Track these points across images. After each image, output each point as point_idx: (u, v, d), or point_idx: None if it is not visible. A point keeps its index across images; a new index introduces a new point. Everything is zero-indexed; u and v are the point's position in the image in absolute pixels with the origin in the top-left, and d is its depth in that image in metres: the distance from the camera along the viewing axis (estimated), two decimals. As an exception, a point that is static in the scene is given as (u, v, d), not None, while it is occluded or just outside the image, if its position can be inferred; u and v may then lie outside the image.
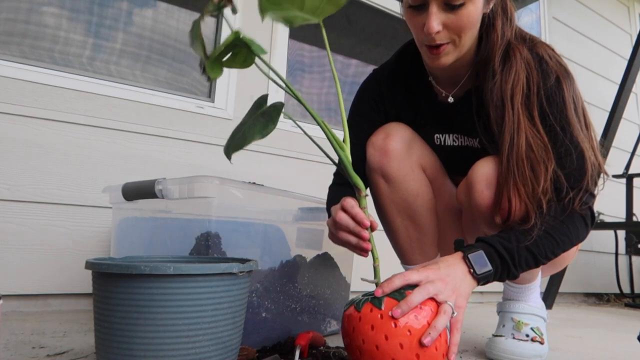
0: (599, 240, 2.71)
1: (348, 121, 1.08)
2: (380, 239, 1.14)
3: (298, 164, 1.78)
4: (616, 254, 2.61)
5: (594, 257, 2.71)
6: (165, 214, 1.04)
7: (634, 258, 2.83)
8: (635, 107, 3.15)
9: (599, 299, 2.73)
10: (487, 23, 0.89)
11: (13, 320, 1.20)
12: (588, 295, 2.72)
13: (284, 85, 0.68)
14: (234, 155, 0.63)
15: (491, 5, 0.87)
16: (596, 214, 0.88)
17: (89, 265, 0.65)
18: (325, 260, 1.17)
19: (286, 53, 1.97)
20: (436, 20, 0.80)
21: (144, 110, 1.58)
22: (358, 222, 0.76)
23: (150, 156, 1.56)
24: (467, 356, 1.02)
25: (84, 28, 1.58)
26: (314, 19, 0.64)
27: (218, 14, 0.60)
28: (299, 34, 2.06)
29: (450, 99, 0.97)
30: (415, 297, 0.67)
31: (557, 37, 2.76)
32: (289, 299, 1.03)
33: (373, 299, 0.68)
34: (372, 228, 0.76)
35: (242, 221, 0.99)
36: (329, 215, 0.96)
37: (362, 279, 0.75)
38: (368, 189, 1.05)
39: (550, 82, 0.85)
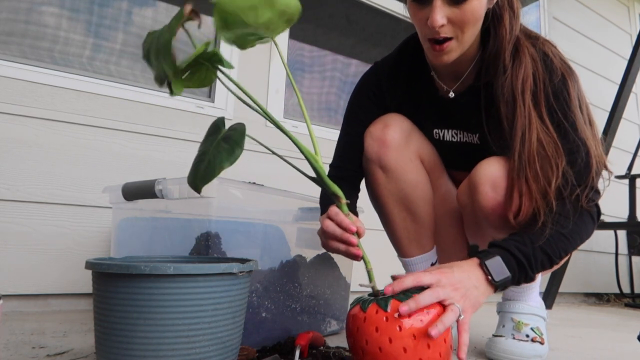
0: (599, 240, 2.71)
1: (346, 113, 1.08)
2: (380, 239, 1.14)
3: (298, 163, 1.77)
4: (616, 254, 2.61)
5: (594, 257, 2.71)
6: (165, 214, 1.04)
7: (634, 258, 2.83)
8: (635, 107, 3.15)
9: (599, 299, 2.73)
10: (493, 17, 0.89)
11: (13, 320, 1.20)
12: (588, 295, 2.72)
13: (252, 103, 0.65)
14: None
15: (495, 0, 0.87)
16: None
17: (89, 265, 0.65)
18: (325, 260, 1.17)
19: (286, 53, 1.97)
20: (440, 13, 0.80)
21: (144, 110, 1.58)
22: (344, 229, 0.76)
23: (150, 156, 1.56)
24: (467, 356, 1.02)
25: (84, 28, 1.58)
26: (268, 35, 0.62)
27: (182, 26, 0.57)
28: (299, 33, 2.06)
29: (451, 94, 0.97)
30: (425, 298, 0.67)
31: (557, 37, 2.76)
32: (289, 299, 1.03)
33: (379, 300, 0.68)
34: (358, 234, 0.76)
35: (242, 221, 0.99)
36: (322, 210, 0.96)
37: (360, 285, 0.75)
38: (370, 188, 1.04)
39: (556, 78, 0.85)
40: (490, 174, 0.87)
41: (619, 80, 2.18)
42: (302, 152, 0.69)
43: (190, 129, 1.65)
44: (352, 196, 1.01)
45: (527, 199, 0.81)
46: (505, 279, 0.75)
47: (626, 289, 2.74)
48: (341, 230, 0.76)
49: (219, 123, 0.66)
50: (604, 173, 0.87)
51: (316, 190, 1.07)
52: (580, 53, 2.87)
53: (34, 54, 1.47)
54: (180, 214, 1.01)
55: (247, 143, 0.62)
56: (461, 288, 0.71)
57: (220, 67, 0.61)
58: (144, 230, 1.09)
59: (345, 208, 0.75)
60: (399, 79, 1.03)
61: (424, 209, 1.02)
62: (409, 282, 0.69)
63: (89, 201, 1.45)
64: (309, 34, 2.13)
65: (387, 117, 1.01)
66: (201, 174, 0.60)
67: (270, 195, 1.05)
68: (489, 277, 0.74)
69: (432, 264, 1.08)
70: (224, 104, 1.76)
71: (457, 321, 0.69)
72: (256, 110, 0.66)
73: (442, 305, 0.69)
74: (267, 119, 0.66)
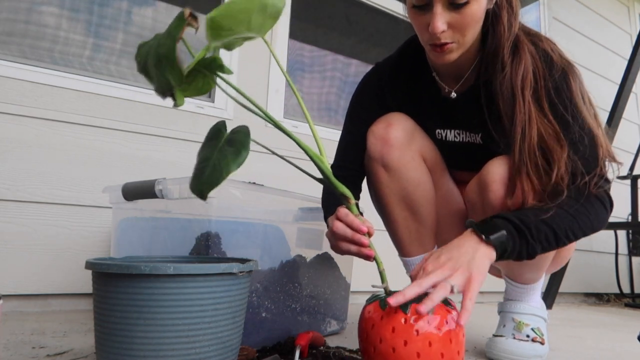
0: (599, 240, 2.71)
1: (348, 113, 1.08)
2: (381, 239, 1.14)
3: (298, 163, 1.77)
4: (616, 254, 2.61)
5: (594, 257, 2.71)
6: (165, 214, 1.04)
7: (634, 258, 2.83)
8: (635, 107, 3.15)
9: (599, 299, 2.73)
10: (492, 16, 0.89)
11: (13, 320, 1.20)
12: (588, 295, 2.72)
13: (253, 107, 0.64)
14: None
15: (494, 0, 0.87)
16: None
17: (89, 265, 0.65)
18: (325, 260, 1.17)
19: (286, 53, 1.97)
20: (441, 20, 0.81)
21: (144, 110, 1.58)
22: (355, 230, 0.75)
23: (150, 156, 1.56)
24: (467, 356, 1.02)
25: (84, 28, 1.58)
26: (258, 35, 0.62)
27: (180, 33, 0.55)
28: (299, 34, 2.06)
29: (453, 95, 0.97)
30: (438, 295, 0.66)
31: (557, 37, 2.74)
32: (289, 299, 1.03)
33: (402, 305, 0.67)
34: (369, 234, 0.75)
35: (242, 221, 0.99)
36: (325, 214, 0.96)
37: (372, 286, 0.74)
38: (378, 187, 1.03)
39: (556, 73, 0.86)
40: (503, 172, 0.87)
41: (619, 80, 2.18)
42: (307, 154, 0.68)
43: (190, 129, 1.65)
44: (355, 196, 1.02)
45: (531, 193, 0.81)
46: (501, 237, 0.74)
47: (626, 289, 2.75)
48: (352, 231, 0.76)
49: (220, 127, 0.63)
50: (614, 165, 0.86)
51: (316, 190, 1.07)
52: (580, 53, 2.87)
53: (34, 54, 1.47)
54: (180, 214, 1.01)
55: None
56: (449, 262, 0.71)
57: (219, 73, 0.60)
58: (144, 230, 1.09)
59: (355, 209, 0.75)
60: (399, 80, 1.03)
61: (426, 209, 1.02)
62: (411, 292, 0.67)
63: (89, 201, 1.45)
64: (309, 34, 2.13)
65: (389, 116, 1.01)
66: (206, 179, 0.57)
67: (270, 195, 1.05)
68: (482, 237, 0.74)
69: None
70: (224, 104, 1.76)
71: (464, 288, 0.68)
72: (258, 114, 0.65)
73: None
74: (269, 122, 0.65)
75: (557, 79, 0.85)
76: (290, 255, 1.06)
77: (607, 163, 0.85)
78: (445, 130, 1.02)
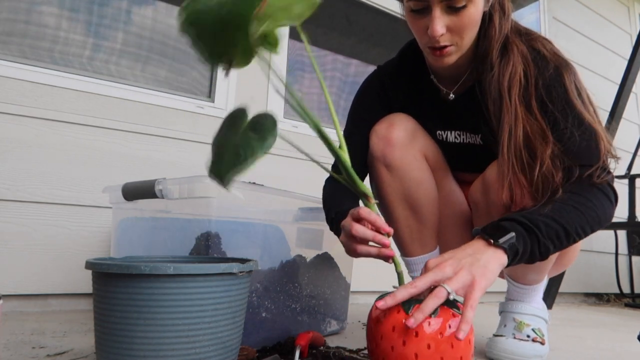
0: (599, 240, 2.71)
1: (350, 113, 1.09)
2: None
3: (298, 163, 1.78)
4: (616, 254, 2.61)
5: (594, 257, 2.71)
6: (165, 214, 1.04)
7: (634, 258, 2.83)
8: (635, 107, 3.15)
9: (599, 299, 2.73)
10: (486, 19, 0.89)
11: (13, 320, 1.20)
12: (588, 295, 2.72)
13: (282, 87, 0.65)
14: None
15: (490, 2, 0.87)
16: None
17: (89, 265, 0.65)
18: (325, 260, 1.17)
19: (286, 53, 1.97)
20: (440, 23, 0.81)
21: (144, 110, 1.58)
22: (378, 228, 0.73)
23: (150, 156, 1.56)
24: (467, 356, 1.02)
25: (84, 28, 1.58)
26: (295, 23, 0.59)
27: None
28: (299, 34, 2.05)
29: (452, 96, 0.98)
30: (429, 304, 0.63)
31: (557, 37, 2.76)
32: (289, 299, 1.03)
33: (404, 302, 0.66)
34: (388, 234, 0.74)
35: (242, 221, 0.99)
36: (327, 215, 0.95)
37: (393, 287, 0.71)
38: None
39: (548, 72, 0.85)
40: None
41: (619, 80, 2.18)
42: (336, 154, 0.67)
43: (190, 129, 1.65)
44: (357, 197, 1.02)
45: (519, 191, 0.81)
46: (511, 239, 0.70)
47: (626, 289, 2.74)
48: (372, 233, 0.74)
49: (238, 114, 0.58)
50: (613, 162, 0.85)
51: (316, 190, 1.08)
52: (580, 53, 2.87)
53: (34, 54, 1.47)
54: (180, 214, 1.01)
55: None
56: (450, 261, 0.67)
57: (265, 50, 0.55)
58: (144, 230, 1.09)
59: (376, 208, 0.73)
60: (401, 82, 1.04)
61: (427, 208, 1.02)
62: (402, 294, 0.65)
63: (89, 201, 1.45)
64: (309, 34, 2.13)
65: (392, 116, 1.01)
66: (228, 163, 0.51)
67: (270, 195, 1.05)
68: (490, 241, 0.70)
69: None
70: (224, 104, 1.75)
71: (466, 295, 0.65)
72: (295, 108, 0.63)
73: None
74: (301, 108, 0.62)
75: (548, 77, 0.85)
76: (290, 255, 1.06)
77: (607, 159, 0.84)
78: (446, 132, 1.02)
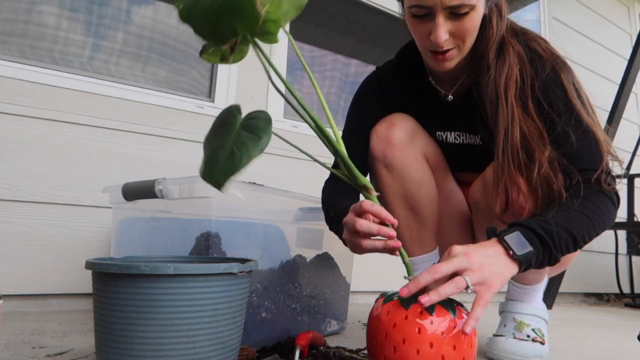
0: (599, 240, 2.68)
1: (349, 114, 1.08)
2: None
3: (298, 163, 1.78)
4: (616, 254, 2.60)
5: (594, 257, 2.71)
6: (165, 214, 1.04)
7: (634, 258, 2.83)
8: (635, 107, 3.15)
9: (599, 299, 2.73)
10: (485, 21, 0.89)
11: (13, 320, 1.20)
12: (588, 295, 2.72)
13: (282, 85, 0.65)
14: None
15: (489, 5, 0.87)
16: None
17: (89, 265, 0.65)
18: (325, 260, 1.17)
19: (286, 53, 1.97)
20: (443, 29, 0.81)
21: (144, 110, 1.58)
22: (383, 220, 0.72)
23: (150, 156, 1.56)
24: (467, 356, 1.02)
25: (84, 28, 1.58)
26: (298, 12, 0.59)
27: None
28: (299, 34, 2.05)
29: (450, 98, 0.98)
30: (443, 268, 0.64)
31: (557, 37, 2.76)
32: (289, 299, 1.03)
33: (402, 299, 0.66)
34: (392, 225, 0.72)
35: (242, 221, 0.99)
36: (326, 215, 0.95)
37: (404, 277, 0.71)
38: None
39: (544, 72, 0.85)
40: None
41: (619, 80, 2.18)
42: (333, 148, 0.67)
43: (190, 129, 1.65)
44: (357, 196, 1.02)
45: (515, 193, 0.81)
46: (528, 254, 0.70)
47: (626, 289, 2.74)
48: (377, 226, 0.72)
49: (233, 111, 0.57)
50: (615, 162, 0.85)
51: (316, 191, 1.07)
52: (580, 53, 2.87)
53: (34, 54, 1.47)
54: (180, 214, 1.01)
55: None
56: (476, 254, 0.67)
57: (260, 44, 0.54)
58: (144, 230, 1.09)
59: (377, 200, 0.72)
60: (399, 83, 1.04)
61: (427, 209, 1.02)
62: (425, 278, 0.64)
63: (89, 201, 1.45)
64: (309, 34, 2.13)
65: (392, 116, 1.01)
66: (222, 165, 0.50)
67: (270, 195, 1.05)
68: (510, 252, 0.70)
69: None
70: (224, 104, 1.75)
71: (477, 294, 0.65)
72: (294, 107, 0.62)
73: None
74: (300, 105, 0.62)
75: (545, 77, 0.85)
76: (290, 255, 1.06)
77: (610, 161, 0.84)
78: (446, 133, 1.02)
